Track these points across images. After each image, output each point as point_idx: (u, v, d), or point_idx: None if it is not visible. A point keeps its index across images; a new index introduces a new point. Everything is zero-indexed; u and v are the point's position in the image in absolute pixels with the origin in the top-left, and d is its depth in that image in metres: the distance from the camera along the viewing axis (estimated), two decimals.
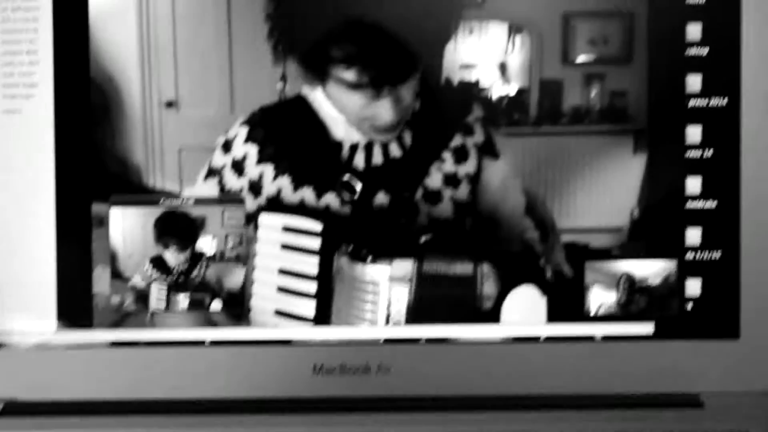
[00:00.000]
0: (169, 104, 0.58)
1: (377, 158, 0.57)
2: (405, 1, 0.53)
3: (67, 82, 0.58)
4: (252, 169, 0.57)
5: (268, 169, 0.57)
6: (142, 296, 0.58)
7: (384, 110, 0.53)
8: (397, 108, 0.53)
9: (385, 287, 0.55)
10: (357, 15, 0.51)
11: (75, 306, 0.58)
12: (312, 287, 0.56)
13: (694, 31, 0.58)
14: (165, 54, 0.57)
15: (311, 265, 0.56)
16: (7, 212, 0.58)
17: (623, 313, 0.58)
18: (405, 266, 0.55)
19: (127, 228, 0.58)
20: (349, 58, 0.51)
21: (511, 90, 0.59)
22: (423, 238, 0.56)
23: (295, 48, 0.54)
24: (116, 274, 0.58)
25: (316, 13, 0.52)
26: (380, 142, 0.57)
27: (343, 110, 0.56)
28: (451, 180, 0.57)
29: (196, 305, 0.58)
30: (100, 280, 0.58)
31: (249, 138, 0.57)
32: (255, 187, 0.57)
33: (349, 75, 0.52)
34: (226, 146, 0.57)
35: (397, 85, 0.53)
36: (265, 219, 0.56)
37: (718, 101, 0.58)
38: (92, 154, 0.58)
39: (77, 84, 0.58)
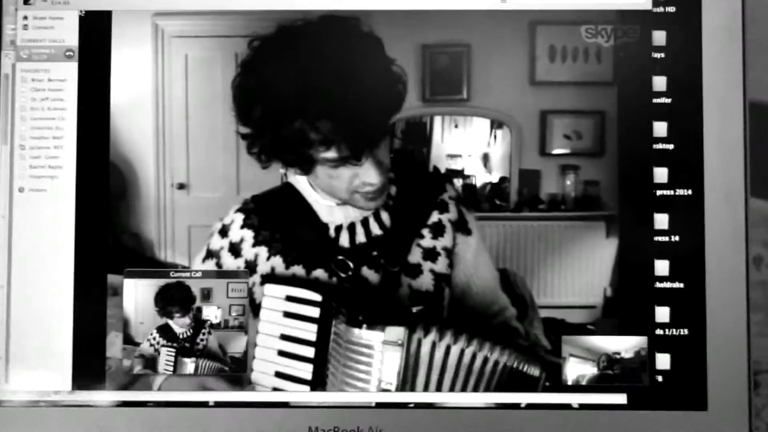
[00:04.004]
0: (181, 186, 0.58)
1: (360, 237, 0.57)
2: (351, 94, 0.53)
3: (88, 165, 0.58)
4: (248, 251, 0.57)
5: (263, 251, 0.57)
6: (151, 360, 0.58)
7: (371, 173, 0.53)
8: (380, 169, 0.54)
9: (378, 350, 0.54)
10: (325, 104, 0.52)
11: (89, 368, 0.57)
12: (310, 352, 0.55)
13: (660, 128, 0.58)
14: (178, 141, 0.58)
15: (310, 332, 0.55)
16: (30, 280, 0.57)
17: (599, 384, 0.57)
18: (397, 332, 0.54)
19: (139, 298, 0.57)
20: (326, 140, 0.51)
21: (493, 178, 0.58)
22: (415, 309, 0.56)
23: (277, 153, 0.54)
24: (128, 340, 0.57)
25: (285, 115, 0.53)
26: (361, 223, 0.57)
27: (333, 190, 0.56)
28: (430, 254, 0.57)
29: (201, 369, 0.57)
30: (113, 345, 0.58)
31: (244, 224, 0.57)
32: (250, 267, 0.57)
33: (332, 153, 0.52)
34: (223, 231, 0.57)
35: (373, 149, 0.53)
36: (270, 289, 0.56)
37: (683, 191, 0.57)
38: (109, 230, 0.58)
39: (98, 167, 0.58)
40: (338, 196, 0.55)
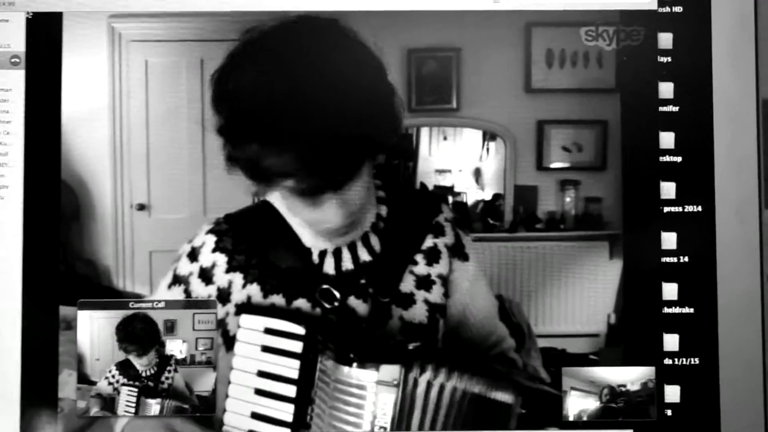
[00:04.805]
0: (141, 207, 0.53)
1: (347, 263, 0.51)
2: (340, 114, 0.48)
3: (37, 183, 0.52)
4: (221, 278, 0.51)
5: (237, 278, 0.51)
6: (109, 401, 0.52)
7: (331, 213, 0.47)
8: (344, 211, 0.47)
9: (371, 391, 0.48)
10: (294, 129, 0.45)
11: (39, 411, 0.52)
12: (292, 391, 0.50)
13: (667, 138, 0.53)
14: (137, 157, 0.52)
15: (292, 368, 0.50)
16: None
17: (602, 419, 0.52)
18: (392, 371, 0.48)
19: (94, 332, 0.51)
20: (285, 170, 0.45)
21: (486, 195, 0.53)
22: (411, 345, 0.50)
23: (239, 161, 0.48)
24: (83, 379, 0.51)
25: (256, 130, 0.47)
26: (348, 247, 0.51)
27: (297, 215, 0.50)
28: (424, 282, 0.51)
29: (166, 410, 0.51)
30: (67, 384, 0.52)
31: (217, 247, 0.51)
32: (223, 295, 0.51)
33: (289, 183, 0.46)
34: (193, 255, 0.51)
35: (336, 192, 0.47)
36: (247, 320, 0.50)
37: (692, 208, 0.53)
38: (60, 256, 0.52)
39: (47, 186, 0.52)
40: (301, 219, 0.49)
